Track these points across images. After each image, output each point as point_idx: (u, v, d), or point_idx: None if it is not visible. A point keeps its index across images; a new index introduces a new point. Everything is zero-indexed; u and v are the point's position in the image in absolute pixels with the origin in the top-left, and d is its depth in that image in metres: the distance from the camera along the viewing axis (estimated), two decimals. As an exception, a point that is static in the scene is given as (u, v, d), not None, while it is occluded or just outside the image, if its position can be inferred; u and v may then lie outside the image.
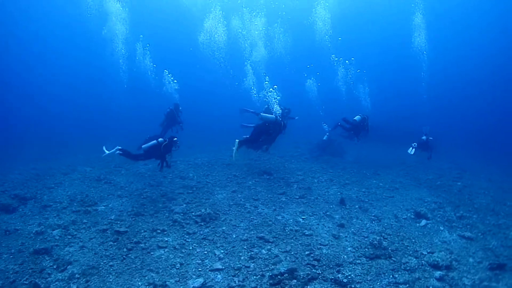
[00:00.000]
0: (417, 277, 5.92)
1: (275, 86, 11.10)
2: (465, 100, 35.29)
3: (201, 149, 15.12)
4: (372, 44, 42.72)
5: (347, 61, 20.17)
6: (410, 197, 9.98)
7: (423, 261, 6.40)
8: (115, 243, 6.39)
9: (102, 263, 5.65)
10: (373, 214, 8.53)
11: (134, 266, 5.64)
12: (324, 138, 15.49)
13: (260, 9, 20.96)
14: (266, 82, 11.37)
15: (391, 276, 5.95)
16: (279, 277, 5.61)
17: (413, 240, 7.24)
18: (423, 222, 8.19)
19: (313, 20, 23.13)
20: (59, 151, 16.62)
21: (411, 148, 12.20)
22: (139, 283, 5.15)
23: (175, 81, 15.62)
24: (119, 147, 8.96)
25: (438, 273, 5.99)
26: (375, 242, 6.87)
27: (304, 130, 18.45)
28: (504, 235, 7.80)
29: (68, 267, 5.54)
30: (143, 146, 9.03)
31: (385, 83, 38.94)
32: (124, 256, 5.91)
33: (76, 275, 5.29)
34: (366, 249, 6.76)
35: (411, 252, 6.73)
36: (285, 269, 5.84)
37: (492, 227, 8.18)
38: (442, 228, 7.93)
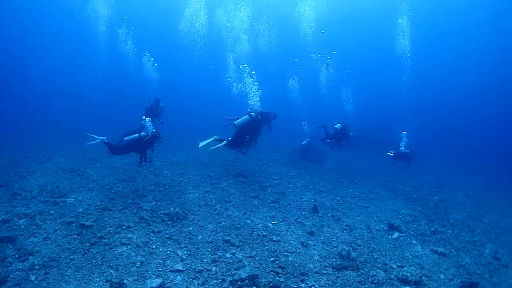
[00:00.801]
0: (384, 291, 5.56)
1: (253, 72, 10.71)
2: (448, 111, 35.14)
3: (180, 147, 14.61)
4: (359, 47, 41.89)
5: (328, 57, 19.72)
6: (385, 209, 9.62)
7: (392, 275, 6.04)
8: (78, 237, 6.09)
9: (63, 256, 5.40)
10: (345, 224, 8.16)
11: (94, 261, 5.38)
12: (303, 143, 15.14)
13: (246, 1, 20.23)
14: (244, 65, 10.96)
15: (357, 289, 5.58)
16: (239, 283, 5.26)
17: (384, 253, 6.89)
18: (396, 234, 7.83)
19: (297, 16, 22.65)
20: (39, 139, 15.90)
21: (389, 153, 12.21)
22: (97, 279, 4.93)
23: (156, 64, 15.04)
24: (104, 138, 8.79)
25: (406, 289, 5.64)
26: (344, 252, 6.48)
27: (286, 134, 18.04)
28: (478, 252, 7.50)
29: (29, 257, 5.31)
30: (125, 138, 8.81)
31: (368, 87, 38.40)
32: (85, 251, 5.65)
33: (37, 266, 5.08)
34: (334, 259, 6.38)
35: (380, 265, 6.37)
36: (247, 275, 5.49)
37: (467, 244, 7.87)
38: (414, 242, 7.59)
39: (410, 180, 13.52)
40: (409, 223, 8.70)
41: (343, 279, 5.81)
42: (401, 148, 12.36)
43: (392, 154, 12.25)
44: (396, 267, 6.33)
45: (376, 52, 38.74)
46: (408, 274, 6.02)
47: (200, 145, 9.86)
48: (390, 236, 7.75)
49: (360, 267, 6.20)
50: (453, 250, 7.40)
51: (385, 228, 8.18)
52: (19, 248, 5.53)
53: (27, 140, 15.09)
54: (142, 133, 8.85)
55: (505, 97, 33.19)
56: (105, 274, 5.07)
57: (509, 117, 31.51)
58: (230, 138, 10.07)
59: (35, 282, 4.76)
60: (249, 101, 10.42)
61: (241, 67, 11.14)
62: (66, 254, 5.48)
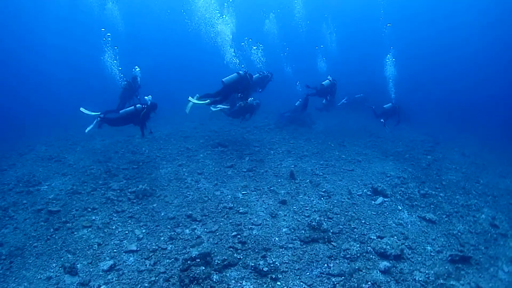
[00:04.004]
0: (356, 267, 4.54)
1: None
2: (444, 69, 32.05)
3: (164, 121, 13.38)
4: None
5: None
6: (372, 171, 8.37)
7: (368, 248, 5.00)
8: (45, 223, 5.72)
9: (27, 244, 5.14)
10: (323, 190, 7.01)
11: (55, 247, 5.05)
12: (297, 104, 13.82)
13: None
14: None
15: (325, 265, 4.60)
16: (189, 262, 4.53)
17: (363, 221, 5.79)
18: (380, 199, 6.65)
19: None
20: (23, 130, 14.82)
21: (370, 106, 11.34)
22: (54, 264, 4.63)
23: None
24: (100, 114, 8.26)
25: (384, 264, 4.60)
26: (314, 223, 5.41)
27: (276, 98, 16.53)
28: (473, 218, 6.28)
29: (-2, 248, 5.06)
30: (120, 111, 8.26)
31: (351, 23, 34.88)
32: (48, 237, 5.31)
33: (3, 256, 4.86)
34: (303, 231, 5.34)
35: (356, 236, 5.30)
36: (198, 253, 4.70)
37: (460, 208, 6.64)
38: (400, 208, 6.42)
39: (402, 140, 11.96)
40: (397, 186, 7.45)
41: (311, 254, 4.82)
42: (385, 106, 11.10)
43: (372, 107, 11.04)
44: (375, 238, 5.27)
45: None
46: (388, 246, 4.95)
47: (187, 111, 8.93)
48: (373, 202, 6.60)
49: (332, 239, 5.17)
50: (444, 216, 6.22)
51: (369, 192, 7.00)
52: (-9, 240, 5.22)
53: (12, 133, 14.09)
54: (137, 105, 8.18)
55: (504, 54, 30.26)
56: (62, 259, 4.72)
57: (507, 74, 28.79)
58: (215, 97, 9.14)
59: (0, 271, 4.55)
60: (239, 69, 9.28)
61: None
62: (30, 242, 5.18)
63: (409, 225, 5.78)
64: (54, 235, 5.32)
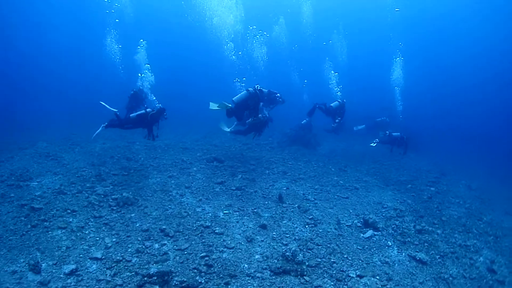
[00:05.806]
0: (325, 308, 3.98)
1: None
2: (456, 97, 30.62)
3: (169, 131, 13.26)
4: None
5: None
6: (367, 200, 7.77)
7: (344, 287, 4.42)
8: (25, 219, 5.64)
9: (4, 236, 5.08)
10: (310, 217, 6.47)
11: (27, 243, 5.00)
12: (303, 122, 13.40)
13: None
14: None
15: (291, 302, 4.06)
16: (146, 278, 4.30)
17: (345, 256, 5.24)
18: (369, 233, 6.05)
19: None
20: (30, 126, 15.09)
21: (372, 143, 10.57)
22: (22, 260, 4.58)
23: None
24: (116, 111, 8.34)
25: (357, 307, 4.02)
26: (288, 253, 4.92)
27: (284, 119, 16.15)
28: (470, 261, 5.60)
29: (-25, 237, 5.03)
30: (131, 115, 8.61)
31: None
32: (24, 232, 5.25)
33: None
34: (276, 260, 4.86)
35: (334, 272, 4.76)
36: (156, 270, 4.41)
37: (457, 248, 5.95)
38: (390, 244, 5.81)
39: (408, 169, 11.24)
40: (391, 219, 6.81)
41: (279, 287, 4.30)
42: (393, 134, 10.52)
43: (375, 144, 10.41)
44: (354, 276, 4.71)
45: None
46: (366, 287, 4.37)
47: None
48: (361, 235, 6.01)
49: (306, 272, 4.66)
50: (437, 257, 5.55)
51: (359, 224, 6.41)
52: (-31, 229, 5.23)
53: (20, 128, 14.36)
54: (148, 109, 8.52)
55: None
56: (30, 256, 4.67)
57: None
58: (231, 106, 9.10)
59: (-27, 259, 4.51)
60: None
61: None
62: (7, 235, 5.13)
63: (396, 265, 5.18)
64: (29, 232, 5.26)
